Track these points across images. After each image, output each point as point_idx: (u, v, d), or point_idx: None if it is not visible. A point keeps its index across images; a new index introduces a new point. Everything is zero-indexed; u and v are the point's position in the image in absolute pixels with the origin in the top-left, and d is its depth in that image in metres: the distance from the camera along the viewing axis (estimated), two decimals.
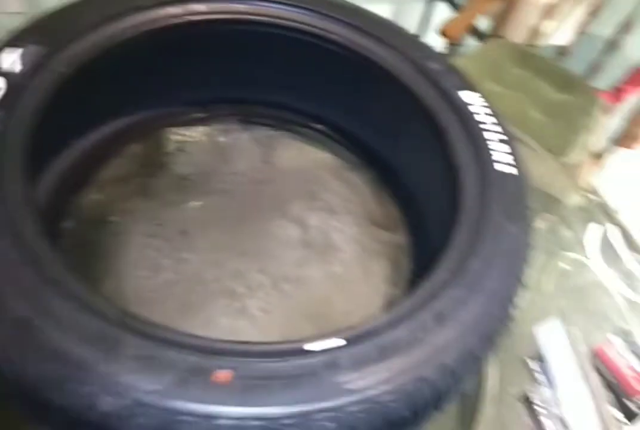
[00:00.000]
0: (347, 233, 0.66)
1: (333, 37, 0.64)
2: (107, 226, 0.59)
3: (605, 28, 1.65)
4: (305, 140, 0.75)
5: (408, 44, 0.63)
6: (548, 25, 1.78)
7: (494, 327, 0.41)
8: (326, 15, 0.64)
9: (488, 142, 0.54)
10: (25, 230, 0.37)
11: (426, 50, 0.63)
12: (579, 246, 0.87)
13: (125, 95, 0.64)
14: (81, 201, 0.60)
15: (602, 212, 1.13)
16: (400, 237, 0.67)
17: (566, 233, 1.00)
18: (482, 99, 0.58)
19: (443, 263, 0.45)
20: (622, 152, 1.44)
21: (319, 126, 0.75)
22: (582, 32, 1.68)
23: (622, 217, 2.00)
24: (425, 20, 2.00)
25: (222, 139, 0.73)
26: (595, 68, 1.67)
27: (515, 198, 0.50)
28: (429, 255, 0.60)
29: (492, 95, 0.62)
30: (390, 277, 0.63)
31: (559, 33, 1.84)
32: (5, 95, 0.44)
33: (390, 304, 0.60)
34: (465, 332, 0.39)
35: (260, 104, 0.75)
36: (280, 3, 0.63)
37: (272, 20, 0.63)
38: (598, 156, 1.51)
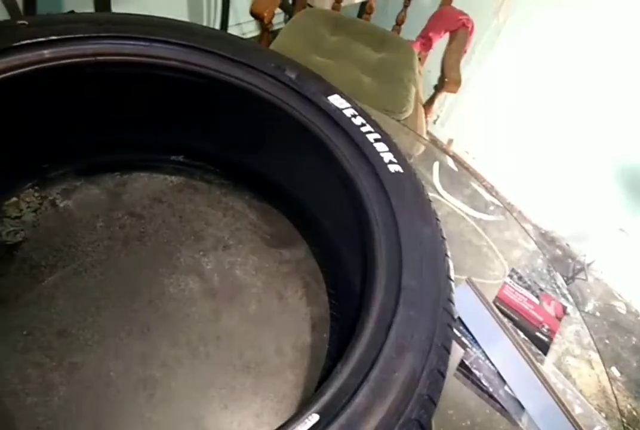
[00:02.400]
0: (249, 265, 0.61)
1: (167, 62, 0.57)
2: None
3: None
4: (165, 177, 0.67)
5: (256, 57, 0.58)
6: None
7: (447, 336, 0.41)
8: (156, 40, 0.55)
9: (370, 144, 0.53)
10: None
11: (278, 60, 0.59)
12: (430, 185, 0.93)
13: None
14: None
15: (440, 151, 1.23)
16: (302, 251, 0.64)
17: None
18: (345, 100, 0.55)
19: (376, 283, 0.42)
20: (447, 97, 1.56)
21: (175, 157, 0.67)
22: None
23: (456, 151, 2.22)
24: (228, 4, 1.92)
25: (66, 202, 0.62)
26: (400, 21, 1.76)
27: (415, 196, 0.50)
28: (339, 265, 0.58)
29: (321, 69, 0.61)
30: (308, 297, 0.61)
31: None
32: None
33: (320, 326, 0.58)
34: (425, 353, 0.38)
35: (97, 149, 0.64)
36: (106, 38, 0.53)
37: (87, 59, 0.53)
38: (427, 104, 1.62)
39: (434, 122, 2.07)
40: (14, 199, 0.62)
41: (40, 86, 0.55)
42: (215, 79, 0.59)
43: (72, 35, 0.56)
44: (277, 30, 1.59)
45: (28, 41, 0.51)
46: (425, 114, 1.57)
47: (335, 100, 0.56)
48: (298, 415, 0.33)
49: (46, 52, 0.54)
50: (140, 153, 0.67)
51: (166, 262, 0.59)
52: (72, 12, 1.60)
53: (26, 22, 0.55)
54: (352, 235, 0.53)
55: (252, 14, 1.41)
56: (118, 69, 0.58)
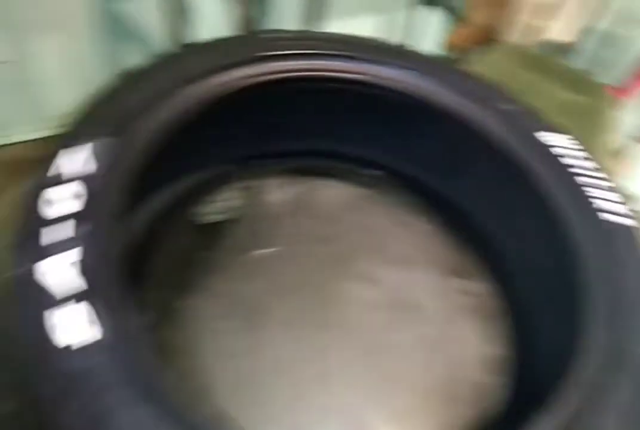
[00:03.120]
0: (427, 287, 0.62)
1: (385, 82, 0.61)
2: (175, 308, 0.54)
3: (605, 22, 1.63)
4: (361, 188, 0.70)
5: (475, 86, 0.59)
6: (547, 23, 1.76)
7: None
8: (381, 61, 0.60)
9: (584, 188, 0.50)
10: None
11: (496, 91, 0.60)
12: None
13: (184, 162, 0.60)
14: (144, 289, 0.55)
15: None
16: (484, 286, 0.62)
17: None
18: (571, 140, 0.54)
19: (588, 342, 0.40)
20: None
21: (375, 172, 0.71)
22: (583, 28, 1.66)
23: None
24: (417, 30, 1.97)
25: (272, 195, 0.68)
26: (599, 63, 1.65)
27: (633, 250, 0.46)
28: (526, 309, 0.56)
29: None
30: (485, 333, 0.59)
31: (560, 30, 1.82)
32: (87, 201, 0.39)
33: (493, 366, 0.56)
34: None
35: (305, 154, 0.70)
36: (335, 56, 0.59)
37: (318, 74, 0.59)
38: (618, 154, 1.48)
39: (626, 175, 1.89)
40: (225, 186, 0.70)
41: (282, 91, 0.62)
42: (430, 103, 0.61)
43: (318, 51, 0.62)
44: (464, 60, 1.59)
45: (288, 52, 0.58)
46: (616, 164, 1.44)
47: (550, 137, 0.55)
48: None
49: (295, 64, 0.61)
50: (341, 163, 0.71)
51: (346, 267, 0.62)
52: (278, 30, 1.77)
53: (286, 36, 0.63)
54: (551, 281, 0.50)
55: (449, 45, 1.44)
56: (343, 85, 0.63)
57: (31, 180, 0.41)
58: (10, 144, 1.11)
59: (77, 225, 0.37)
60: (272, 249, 0.63)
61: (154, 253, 0.58)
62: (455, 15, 1.65)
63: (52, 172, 0.41)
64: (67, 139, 0.44)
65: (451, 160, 0.66)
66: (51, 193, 0.39)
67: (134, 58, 1.07)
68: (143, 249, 0.57)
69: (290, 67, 0.61)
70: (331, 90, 0.64)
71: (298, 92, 0.64)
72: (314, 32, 0.69)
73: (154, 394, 0.31)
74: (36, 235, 0.36)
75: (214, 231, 0.65)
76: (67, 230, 0.37)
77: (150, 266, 0.57)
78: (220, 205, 0.69)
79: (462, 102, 0.60)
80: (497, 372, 0.54)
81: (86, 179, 0.40)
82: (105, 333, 0.32)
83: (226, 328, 0.54)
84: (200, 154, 0.65)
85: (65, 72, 1.05)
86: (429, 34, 2.05)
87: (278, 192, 0.71)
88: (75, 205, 0.38)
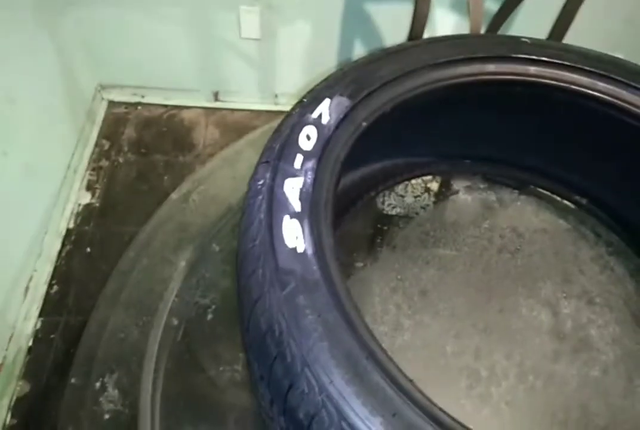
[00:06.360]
0: (607, 331, 0.56)
1: (630, 108, 0.56)
2: (354, 271, 0.58)
3: None
4: (560, 212, 0.67)
5: None
6: None
7: None
8: (624, 83, 0.56)
9: None
10: None
11: None
12: None
13: (392, 144, 0.63)
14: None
15: None
16: None
17: None
18: None
19: None
20: None
21: (578, 198, 0.66)
22: None
23: None
24: None
25: (465, 196, 0.69)
26: None
27: None
28: None
29: None
30: None
31: None
32: (316, 144, 0.44)
33: None
34: None
35: (507, 164, 0.69)
36: (568, 68, 0.57)
37: (554, 83, 0.57)
38: None
39: None
40: (416, 178, 0.72)
41: (511, 96, 0.61)
42: None
43: (559, 61, 0.60)
44: None
45: (523, 55, 0.58)
46: None
47: None
48: None
49: (531, 69, 0.60)
50: (549, 182, 0.68)
51: (528, 285, 0.60)
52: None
53: (528, 41, 0.62)
54: None
55: None
56: (579, 101, 0.60)
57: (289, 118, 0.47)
58: (237, 110, 1.28)
59: (304, 161, 0.42)
60: (457, 246, 0.64)
61: (347, 214, 0.62)
62: None
63: (300, 115, 0.47)
64: (314, 93, 0.50)
65: None
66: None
67: (361, 51, 1.14)
68: (339, 205, 0.61)
69: (533, 73, 0.60)
70: (570, 105, 0.61)
71: (531, 100, 0.63)
72: (573, 46, 0.65)
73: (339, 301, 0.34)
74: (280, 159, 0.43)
75: (406, 212, 0.67)
76: (297, 163, 0.42)
77: (345, 225, 0.61)
78: (421, 191, 0.71)
79: None
80: None
81: (318, 126, 0.45)
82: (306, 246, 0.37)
83: (391, 299, 0.56)
84: (408, 140, 0.68)
85: (299, 56, 1.16)
86: None
87: (477, 196, 0.70)
88: (307, 145, 0.44)
